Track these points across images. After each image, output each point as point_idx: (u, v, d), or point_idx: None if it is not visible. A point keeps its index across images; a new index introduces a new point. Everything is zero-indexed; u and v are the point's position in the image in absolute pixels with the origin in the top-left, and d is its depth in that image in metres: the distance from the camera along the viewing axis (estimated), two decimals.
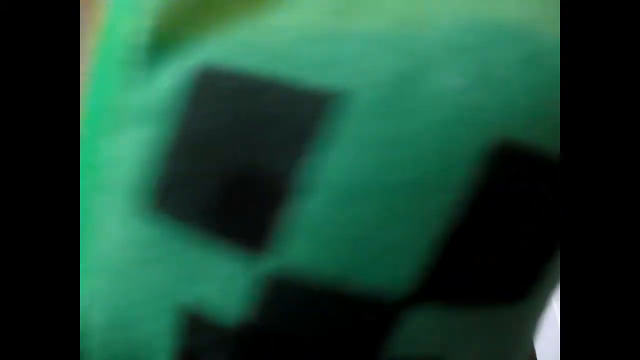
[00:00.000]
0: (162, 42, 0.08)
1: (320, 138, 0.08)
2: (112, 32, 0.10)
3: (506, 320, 0.11)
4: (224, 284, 0.09)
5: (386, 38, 0.08)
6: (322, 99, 0.08)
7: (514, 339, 0.12)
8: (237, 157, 0.08)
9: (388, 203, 0.08)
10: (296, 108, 0.08)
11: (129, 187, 0.10)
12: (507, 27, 0.09)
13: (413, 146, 0.08)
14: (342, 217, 0.08)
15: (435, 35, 0.08)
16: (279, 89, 0.08)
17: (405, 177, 0.08)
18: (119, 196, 0.10)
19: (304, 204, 0.08)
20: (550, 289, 0.12)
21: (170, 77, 0.09)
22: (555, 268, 0.12)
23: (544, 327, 0.73)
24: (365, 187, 0.08)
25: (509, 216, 0.10)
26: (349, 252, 0.08)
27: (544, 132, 0.10)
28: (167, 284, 0.10)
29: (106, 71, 0.10)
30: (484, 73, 0.09)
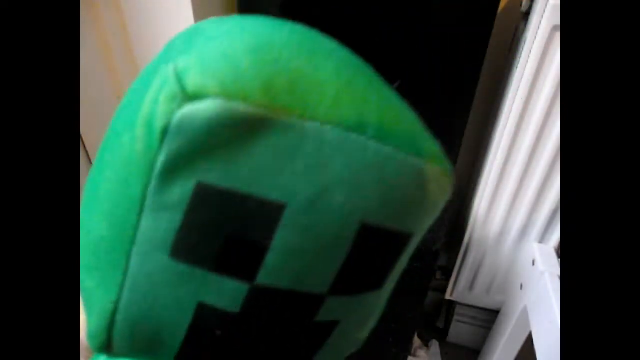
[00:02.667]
0: (172, 171, 0.15)
1: (273, 227, 0.16)
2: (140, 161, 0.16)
3: (373, 299, 0.20)
4: (226, 294, 0.17)
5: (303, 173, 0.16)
6: (271, 206, 0.15)
7: (377, 308, 0.21)
8: (224, 235, 0.16)
9: (311, 258, 0.17)
10: (257, 210, 0.15)
11: (159, 244, 0.16)
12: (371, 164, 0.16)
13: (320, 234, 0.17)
14: (288, 264, 0.17)
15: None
16: (244, 199, 0.15)
17: (318, 244, 0.17)
18: (150, 245, 0.17)
19: (268, 257, 0.16)
20: (395, 278, 0.21)
21: (180, 188, 0.15)
22: (396, 269, 0.20)
23: (543, 327, 0.73)
24: (300, 249, 0.16)
25: (374, 258, 0.18)
26: (295, 276, 0.17)
27: (388, 217, 0.17)
28: (187, 293, 0.17)
29: (136, 182, 0.16)
30: (355, 193, 0.16)
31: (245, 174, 0.15)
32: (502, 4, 0.69)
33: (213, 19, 0.18)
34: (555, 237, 0.87)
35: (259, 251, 0.16)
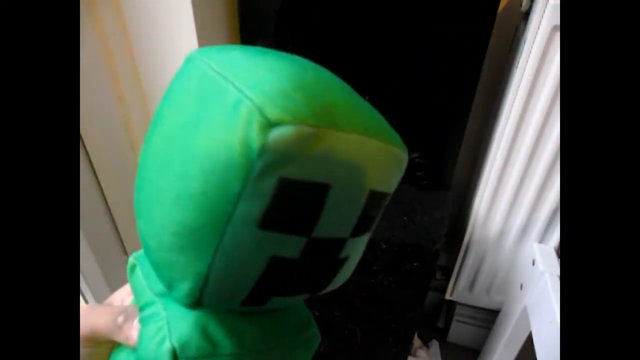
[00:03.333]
0: (264, 173, 0.22)
1: (324, 199, 0.24)
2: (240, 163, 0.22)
3: (365, 239, 0.29)
4: (292, 247, 0.24)
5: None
6: (322, 186, 0.23)
7: (364, 247, 0.30)
8: (295, 207, 0.23)
9: (344, 214, 0.25)
10: (314, 189, 0.23)
11: (250, 221, 0.23)
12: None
13: None
14: (331, 220, 0.25)
15: None
16: (307, 184, 0.23)
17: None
18: (242, 223, 0.23)
19: (321, 218, 0.24)
20: (374, 225, 0.29)
21: (269, 182, 0.22)
22: (374, 218, 0.28)
23: (544, 327, 0.73)
24: (338, 210, 0.25)
25: (373, 210, 0.27)
26: (335, 227, 0.25)
27: (381, 185, 0.26)
28: (264, 251, 0.24)
29: (236, 179, 0.22)
30: (368, 172, 0.25)
31: (308, 169, 0.23)
32: (502, 4, 0.69)
33: (247, 50, 0.26)
34: (555, 237, 0.87)
35: (315, 214, 0.24)
